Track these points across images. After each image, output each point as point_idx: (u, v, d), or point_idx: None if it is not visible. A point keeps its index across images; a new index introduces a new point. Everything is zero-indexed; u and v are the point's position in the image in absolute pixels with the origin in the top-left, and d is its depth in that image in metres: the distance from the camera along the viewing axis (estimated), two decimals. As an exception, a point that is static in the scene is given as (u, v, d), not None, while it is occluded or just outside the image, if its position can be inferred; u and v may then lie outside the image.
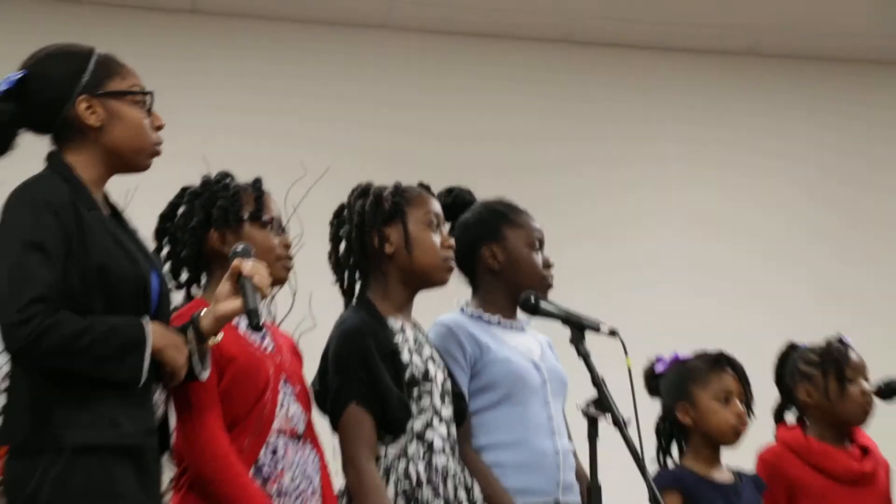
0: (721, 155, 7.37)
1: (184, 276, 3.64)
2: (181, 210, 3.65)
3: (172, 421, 3.42)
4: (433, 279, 3.81)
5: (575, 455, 4.01)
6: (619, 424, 3.50)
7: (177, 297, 3.59)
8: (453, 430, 3.76)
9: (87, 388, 3.07)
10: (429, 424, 3.68)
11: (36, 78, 3.21)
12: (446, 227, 3.91)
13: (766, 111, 7.45)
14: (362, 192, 3.85)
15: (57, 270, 3.06)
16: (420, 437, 3.67)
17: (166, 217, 3.67)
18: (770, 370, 4.61)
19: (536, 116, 7.14)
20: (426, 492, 3.61)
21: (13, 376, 3.19)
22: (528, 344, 4.03)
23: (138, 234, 3.32)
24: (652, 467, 4.23)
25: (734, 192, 7.31)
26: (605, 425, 3.54)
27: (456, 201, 4.14)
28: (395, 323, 3.74)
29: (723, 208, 7.28)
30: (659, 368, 4.37)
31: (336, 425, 3.65)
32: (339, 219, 3.88)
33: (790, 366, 4.57)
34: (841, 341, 4.52)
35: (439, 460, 3.66)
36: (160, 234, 3.66)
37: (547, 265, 4.06)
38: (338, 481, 3.63)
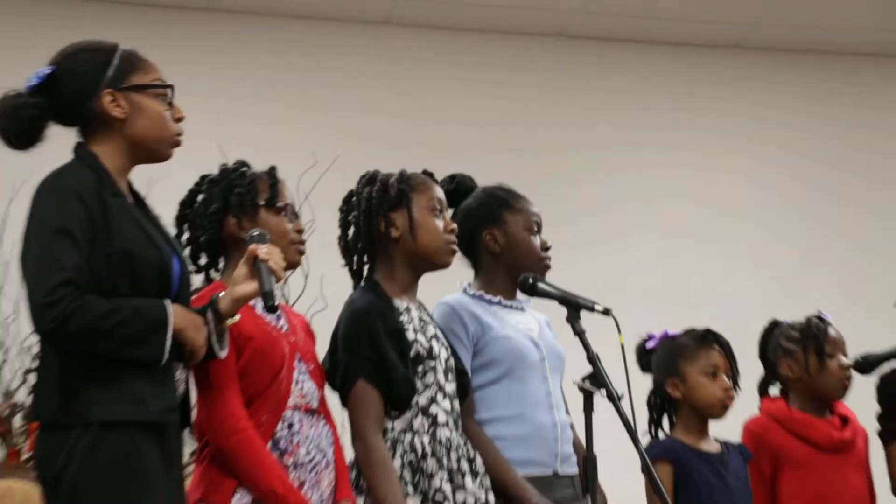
0: (715, 141, 7.36)
1: (203, 260, 3.64)
2: (200, 197, 3.65)
3: (193, 398, 3.42)
4: (437, 262, 3.81)
5: (572, 428, 4.00)
6: (613, 399, 3.51)
7: (196, 280, 3.59)
8: (456, 404, 3.76)
9: (113, 366, 3.08)
10: (433, 399, 3.68)
11: (63, 73, 3.21)
12: (449, 212, 3.91)
13: (753, 100, 7.43)
14: (369, 179, 3.84)
15: (83, 255, 3.06)
16: (425, 411, 3.67)
17: (186, 204, 3.67)
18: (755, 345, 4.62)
19: (532, 106, 7.13)
20: (431, 463, 3.61)
21: (43, 356, 3.20)
22: (527, 322, 4.02)
23: (160, 221, 3.32)
24: (644, 439, 4.23)
25: (727, 175, 7.30)
26: (599, 399, 3.55)
27: (458, 188, 4.14)
28: (400, 303, 3.74)
29: (716, 192, 7.27)
30: (650, 345, 4.37)
31: (345, 400, 3.66)
32: (347, 205, 3.87)
33: (773, 342, 4.57)
34: (820, 318, 4.52)
35: (443, 433, 3.66)
36: (180, 220, 3.66)
37: (545, 247, 4.06)
38: (349, 454, 3.63)
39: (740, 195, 7.29)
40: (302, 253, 3.65)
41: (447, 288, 4.05)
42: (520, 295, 4.00)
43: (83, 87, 3.20)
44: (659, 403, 4.37)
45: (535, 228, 4.06)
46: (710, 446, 4.28)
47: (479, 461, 3.73)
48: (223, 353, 3.28)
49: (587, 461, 3.58)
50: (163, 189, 3.84)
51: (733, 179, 7.31)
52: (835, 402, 4.50)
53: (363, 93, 6.83)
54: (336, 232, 3.86)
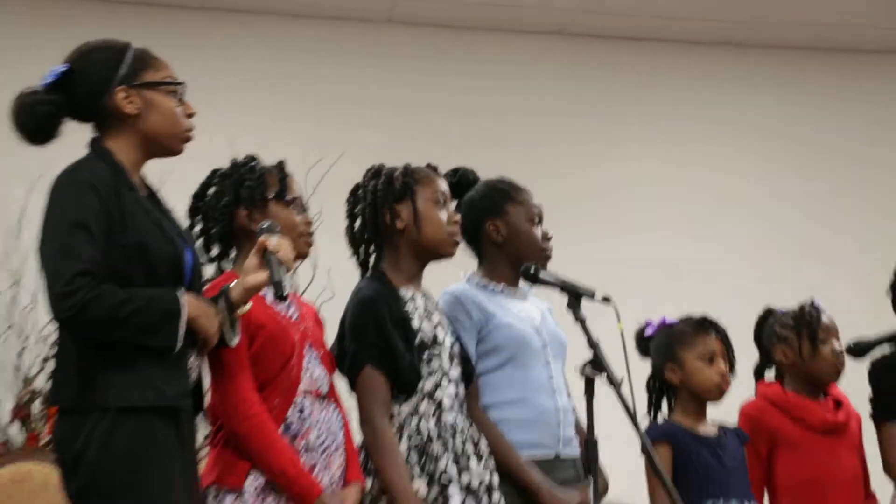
0: (714, 137, 7.35)
1: (214, 251, 3.65)
2: (212, 190, 3.66)
3: (205, 384, 3.43)
4: (441, 252, 3.82)
5: (574, 412, 4.01)
6: (614, 383, 3.51)
7: (208, 271, 3.61)
8: (461, 389, 3.77)
9: (129, 353, 3.10)
10: (438, 385, 3.69)
11: (78, 71, 3.22)
12: (452, 204, 3.92)
13: (750, 97, 7.43)
14: (375, 172, 3.85)
15: (99, 247, 3.07)
16: (430, 396, 3.68)
17: (198, 197, 3.68)
18: (750, 333, 4.63)
19: (532, 102, 7.13)
20: (436, 446, 3.62)
21: (61, 343, 3.21)
22: (529, 310, 4.03)
23: (173, 213, 3.34)
24: (644, 422, 4.25)
25: (725, 171, 7.30)
26: (600, 384, 3.56)
27: (461, 181, 4.14)
28: (406, 292, 3.74)
29: (715, 184, 7.27)
30: (648, 332, 4.38)
31: (353, 386, 3.67)
32: (354, 197, 3.87)
33: (768, 329, 4.58)
34: (813, 305, 4.52)
35: (448, 417, 3.67)
36: (192, 212, 3.67)
37: (546, 238, 4.06)
38: (358, 438, 3.64)
39: (739, 188, 7.29)
40: (310, 244, 3.67)
41: (452, 277, 4.06)
42: (522, 284, 4.01)
43: (97, 85, 3.21)
44: (658, 388, 4.38)
45: (537, 219, 4.06)
46: (708, 429, 4.29)
47: (483, 444, 3.74)
48: (235, 341, 3.30)
49: (588, 444, 3.59)
50: (174, 182, 3.85)
51: (732, 176, 7.30)
52: (828, 386, 4.51)
53: (368, 90, 6.84)
54: (343, 224, 3.86)
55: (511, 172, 4.20)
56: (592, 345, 3.57)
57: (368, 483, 3.58)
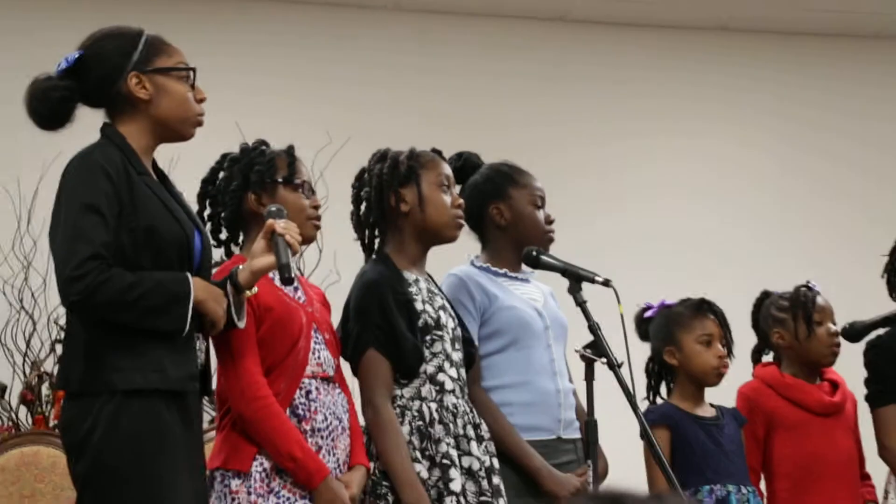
0: (714, 115, 7.35)
1: (223, 235, 3.65)
2: (221, 174, 3.66)
3: (212, 367, 3.45)
4: (444, 235, 3.82)
5: (574, 394, 4.02)
6: (613, 366, 3.53)
7: (217, 254, 3.62)
8: (463, 372, 3.77)
9: (137, 337, 3.11)
10: (440, 368, 3.69)
11: (91, 57, 3.23)
12: (457, 188, 3.91)
13: (737, 83, 7.43)
14: (380, 156, 3.84)
15: (110, 231, 3.09)
16: (433, 379, 3.68)
17: (208, 181, 3.68)
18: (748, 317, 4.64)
19: (534, 87, 7.13)
20: (438, 429, 3.62)
21: (69, 327, 3.23)
22: (532, 293, 4.03)
23: (182, 197, 3.35)
24: (643, 405, 4.26)
25: (723, 151, 7.30)
26: (600, 367, 3.58)
27: (465, 165, 4.13)
28: (409, 275, 3.75)
29: (714, 172, 7.27)
30: (648, 314, 4.38)
31: (356, 369, 3.68)
32: (359, 181, 3.87)
33: (764, 312, 4.58)
34: (809, 287, 4.53)
35: (450, 400, 3.68)
36: (202, 196, 3.66)
37: (548, 221, 4.06)
38: (362, 420, 3.66)
39: (741, 168, 7.28)
40: (318, 228, 3.66)
41: (456, 261, 4.07)
42: (525, 267, 4.01)
43: (110, 71, 3.22)
44: (657, 371, 4.39)
45: (539, 203, 4.07)
46: (706, 411, 4.31)
47: (484, 427, 3.74)
48: (242, 324, 3.30)
49: (588, 426, 3.63)
50: (183, 166, 3.87)
51: (733, 157, 7.30)
52: (825, 368, 4.52)
53: (375, 74, 6.84)
54: (349, 208, 3.88)
55: (515, 155, 4.21)
56: (592, 328, 3.59)
57: (371, 466, 3.59)
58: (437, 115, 6.67)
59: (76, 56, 3.22)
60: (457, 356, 3.75)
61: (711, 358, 4.26)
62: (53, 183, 3.20)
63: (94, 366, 3.09)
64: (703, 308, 4.33)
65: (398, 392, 3.66)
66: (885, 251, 4.68)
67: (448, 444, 3.61)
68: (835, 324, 4.47)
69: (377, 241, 3.85)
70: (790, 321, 4.47)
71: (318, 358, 3.51)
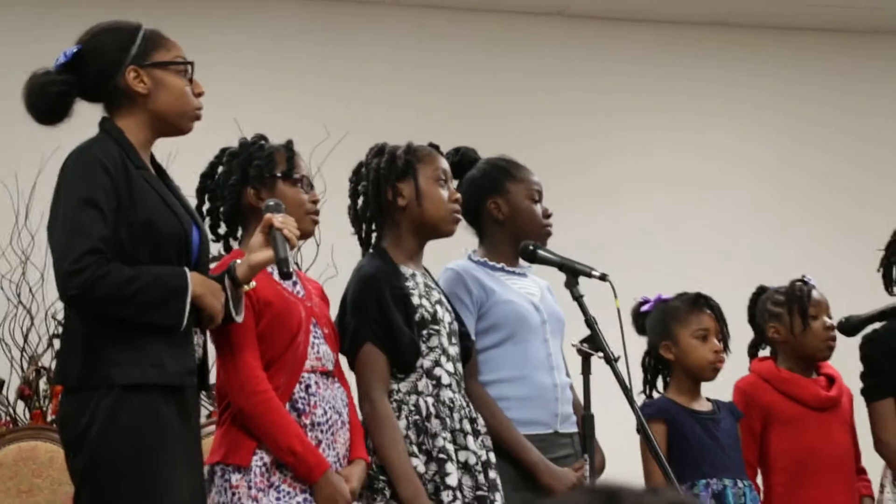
0: (712, 109, 7.35)
1: (222, 230, 3.65)
2: (220, 169, 3.66)
3: (210, 361, 3.45)
4: (441, 230, 3.82)
5: (571, 388, 4.02)
6: (610, 360, 3.54)
7: (216, 248, 3.62)
8: (459, 367, 3.77)
9: (135, 331, 3.11)
10: (437, 362, 3.70)
11: (90, 51, 3.23)
12: (454, 183, 3.92)
13: (735, 79, 7.43)
14: (378, 151, 3.85)
15: (109, 225, 3.09)
16: (429, 373, 3.68)
17: (207, 176, 3.68)
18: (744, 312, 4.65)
19: (533, 82, 7.13)
20: (434, 423, 3.62)
21: (67, 322, 3.23)
22: (529, 287, 4.04)
23: (180, 191, 3.35)
24: (639, 399, 4.27)
25: (714, 154, 7.30)
26: (597, 361, 3.58)
27: (462, 159, 4.13)
28: (406, 270, 3.75)
29: (702, 171, 7.27)
30: (645, 308, 4.38)
31: (353, 363, 3.68)
32: (357, 175, 3.87)
33: (760, 306, 4.59)
34: (804, 281, 4.53)
35: (446, 394, 3.68)
36: (201, 191, 3.66)
37: (546, 215, 4.07)
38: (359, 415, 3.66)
39: (739, 162, 7.28)
40: (316, 223, 3.66)
41: (453, 255, 4.07)
42: (522, 261, 4.02)
43: (108, 65, 3.22)
44: (653, 365, 4.40)
45: (537, 197, 4.07)
46: (702, 405, 4.32)
47: (480, 421, 3.75)
48: (240, 318, 3.30)
49: (585, 419, 3.63)
50: (181, 160, 3.87)
51: (731, 151, 7.30)
52: (821, 363, 4.53)
53: (373, 69, 6.84)
54: (346, 202, 3.88)
55: (513, 150, 4.21)
56: (589, 322, 3.60)
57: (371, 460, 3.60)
58: (434, 110, 6.67)
59: (74, 51, 3.22)
60: (453, 350, 3.75)
61: (707, 352, 4.27)
62: (52, 177, 3.21)
63: (92, 360, 3.09)
64: (699, 302, 4.33)
65: (395, 386, 3.66)
66: (883, 245, 4.69)
67: (445, 439, 3.62)
68: (830, 318, 4.48)
69: (374, 235, 3.84)
70: (786, 315, 4.47)
71: (318, 352, 3.51)
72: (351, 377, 3.69)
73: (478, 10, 7.09)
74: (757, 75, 7.40)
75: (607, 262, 3.88)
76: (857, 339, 4.59)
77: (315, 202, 3.65)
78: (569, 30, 7.22)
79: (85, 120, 3.28)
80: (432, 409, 3.63)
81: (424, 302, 3.71)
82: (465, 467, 3.63)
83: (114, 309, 3.09)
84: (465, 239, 4.07)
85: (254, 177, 3.58)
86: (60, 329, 3.52)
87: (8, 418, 5.53)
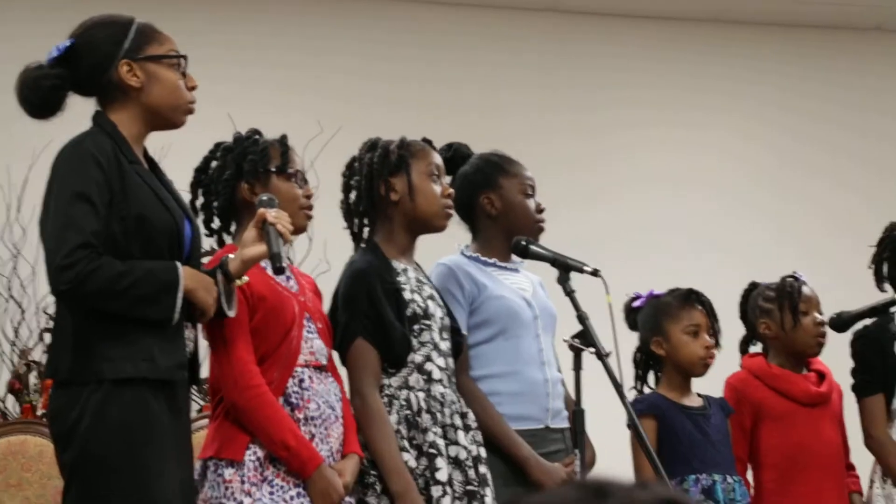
0: (705, 105, 7.35)
1: (216, 224, 3.64)
2: (214, 164, 3.65)
3: (201, 355, 3.45)
4: (433, 225, 3.83)
5: (563, 384, 4.03)
6: (601, 356, 3.55)
7: (209, 243, 3.63)
8: (451, 362, 3.78)
9: (126, 325, 3.11)
10: (428, 357, 3.70)
11: (82, 45, 3.23)
12: (447, 178, 3.92)
13: (735, 75, 7.43)
14: (371, 145, 3.85)
15: (101, 219, 3.09)
16: (420, 368, 3.69)
17: (201, 170, 3.67)
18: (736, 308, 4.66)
19: (526, 77, 7.13)
20: (425, 418, 3.63)
21: (58, 316, 3.23)
22: (521, 283, 4.04)
23: (173, 186, 3.35)
24: (630, 394, 4.27)
25: (708, 152, 7.31)
26: (588, 357, 3.59)
27: (455, 155, 4.12)
28: (398, 265, 3.75)
29: (703, 167, 7.27)
30: (636, 304, 4.39)
31: (344, 358, 3.68)
32: (350, 170, 3.86)
33: (751, 302, 4.60)
34: (795, 277, 4.54)
35: (438, 389, 3.69)
36: (195, 186, 3.66)
37: (539, 210, 4.07)
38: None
39: (736, 157, 7.27)
40: (310, 218, 3.66)
41: (445, 251, 4.07)
42: (514, 257, 4.02)
43: (101, 59, 3.22)
44: (644, 360, 4.41)
45: (530, 192, 4.07)
46: (693, 401, 4.32)
47: (471, 416, 3.75)
48: (232, 313, 3.31)
49: (576, 414, 3.64)
50: (174, 154, 3.87)
51: (728, 145, 7.30)
52: (811, 359, 4.54)
53: (366, 63, 6.84)
54: (339, 197, 3.88)
55: (511, 146, 4.22)
56: (581, 317, 3.60)
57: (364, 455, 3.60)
58: (429, 106, 6.67)
59: (67, 44, 3.22)
60: (445, 345, 3.76)
61: (698, 348, 4.27)
62: (44, 171, 3.21)
63: (82, 355, 3.10)
64: (690, 298, 4.34)
65: (386, 381, 3.67)
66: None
67: (435, 434, 3.63)
68: (821, 313, 4.49)
69: (366, 230, 3.85)
70: (776, 311, 4.49)
71: (311, 347, 3.52)
72: (343, 372, 3.69)
73: (475, 6, 7.09)
74: (758, 72, 7.40)
75: (607, 260, 3.90)
76: (847, 335, 4.60)
77: (309, 197, 3.66)
78: (568, 26, 7.21)
79: (77, 114, 3.28)
80: (423, 404, 3.64)
81: (416, 297, 3.72)
82: (455, 462, 3.64)
83: (105, 303, 3.09)
84: (457, 234, 4.08)
85: (248, 171, 3.58)
86: (51, 323, 3.51)
87: (-2, 412, 5.53)
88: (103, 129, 3.21)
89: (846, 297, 4.68)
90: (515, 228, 3.97)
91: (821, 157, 7.35)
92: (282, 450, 3.36)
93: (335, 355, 3.68)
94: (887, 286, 4.68)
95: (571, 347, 3.61)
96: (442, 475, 3.58)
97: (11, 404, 5.54)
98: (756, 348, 4.62)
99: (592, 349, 3.57)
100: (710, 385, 4.41)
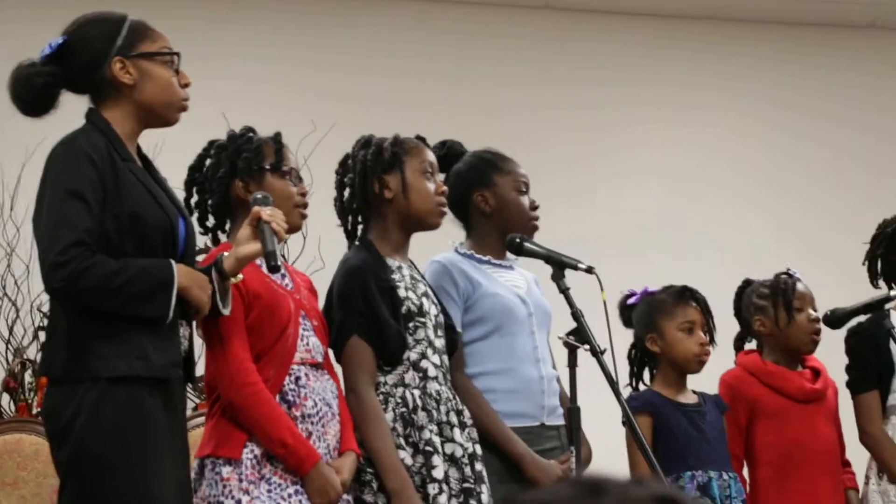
0: (700, 104, 7.35)
1: (211, 222, 3.64)
2: (209, 161, 3.65)
3: (196, 353, 3.45)
4: (427, 222, 3.82)
5: (558, 381, 4.03)
6: (596, 353, 3.55)
7: (204, 241, 3.62)
8: (446, 359, 3.78)
9: (120, 323, 3.11)
10: (423, 355, 3.70)
11: (75, 42, 3.23)
12: (440, 176, 3.91)
13: (733, 73, 7.43)
14: (364, 143, 3.84)
15: (94, 217, 3.09)
16: (416, 366, 3.69)
17: (195, 168, 3.67)
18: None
19: (520, 74, 7.13)
20: (421, 416, 3.63)
21: (52, 314, 3.23)
22: (515, 280, 4.04)
23: (167, 183, 3.35)
24: (625, 391, 4.27)
25: (705, 149, 7.31)
26: (583, 354, 3.59)
27: (449, 153, 4.12)
28: (392, 262, 3.75)
29: (700, 165, 7.27)
30: (631, 301, 4.39)
31: (339, 356, 3.68)
32: (343, 167, 3.86)
33: (746, 299, 4.60)
34: (789, 274, 4.55)
35: (433, 387, 3.68)
36: (189, 184, 3.65)
37: (533, 207, 4.07)
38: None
39: (732, 154, 7.27)
40: (304, 216, 3.66)
41: (440, 248, 4.07)
42: (509, 254, 4.02)
43: (94, 56, 3.22)
44: (639, 357, 4.41)
45: (524, 189, 4.07)
46: (688, 398, 4.33)
47: (466, 414, 3.75)
48: (226, 311, 3.31)
49: (571, 412, 3.64)
50: (168, 152, 3.87)
51: (725, 143, 7.29)
52: (806, 356, 4.54)
53: (360, 61, 6.84)
54: (333, 195, 3.87)
55: (507, 143, 4.22)
56: (575, 315, 3.60)
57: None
58: (423, 103, 6.67)
59: (60, 42, 3.22)
60: (440, 343, 3.76)
61: (693, 345, 4.28)
62: (37, 169, 3.21)
63: (77, 353, 3.10)
64: (685, 295, 4.34)
65: (381, 379, 3.66)
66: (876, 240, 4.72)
67: (431, 431, 3.62)
68: (815, 310, 4.50)
69: (360, 227, 3.84)
70: (770, 308, 4.49)
71: (307, 344, 3.51)
72: (338, 370, 3.69)
73: (472, 4, 7.09)
74: (755, 70, 7.40)
75: (605, 256, 3.91)
76: (842, 332, 4.61)
77: (304, 195, 3.65)
78: (566, 23, 7.20)
79: (70, 112, 3.28)
80: (419, 402, 3.64)
81: (411, 294, 3.72)
82: (451, 459, 3.64)
83: (99, 301, 3.09)
84: (451, 232, 4.08)
85: (242, 169, 3.58)
86: (46, 321, 3.51)
87: (-8, 411, 5.53)
88: (96, 127, 3.21)
89: (844, 293, 4.68)
90: (509, 226, 3.97)
91: (818, 154, 7.35)
92: (279, 447, 3.36)
93: (331, 353, 3.68)
94: (881, 283, 4.69)
95: (566, 344, 3.61)
96: (438, 473, 3.59)
97: (6, 403, 5.54)
98: (751, 345, 4.62)
99: (587, 346, 3.57)
100: (705, 382, 4.41)
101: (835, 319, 4.50)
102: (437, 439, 3.62)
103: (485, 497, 3.66)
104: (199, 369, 3.57)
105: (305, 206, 3.65)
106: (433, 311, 3.77)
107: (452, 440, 3.66)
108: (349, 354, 3.65)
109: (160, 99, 3.26)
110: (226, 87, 6.18)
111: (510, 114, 6.93)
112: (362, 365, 3.63)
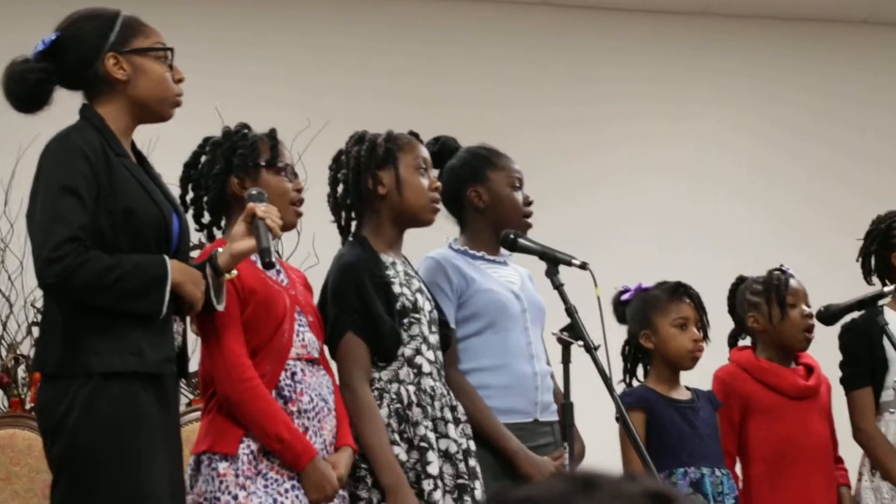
0: (691, 110, 7.36)
1: (206, 219, 3.64)
2: (204, 158, 3.64)
3: (190, 349, 3.45)
4: (421, 219, 3.82)
5: (552, 377, 4.04)
6: (590, 349, 3.55)
7: (198, 237, 3.62)
8: (440, 355, 3.78)
9: (114, 319, 3.11)
10: (418, 351, 3.70)
11: (68, 38, 3.23)
12: (434, 172, 3.91)
13: (730, 69, 7.43)
14: (358, 139, 3.84)
15: (88, 213, 3.09)
16: (410, 362, 3.69)
17: (190, 165, 3.67)
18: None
19: (518, 70, 7.13)
20: (416, 412, 3.63)
21: (46, 310, 3.24)
22: (509, 276, 4.04)
23: (161, 179, 3.35)
24: (619, 387, 4.27)
25: (702, 145, 7.31)
26: (577, 350, 3.59)
27: (442, 149, 4.11)
28: (387, 258, 3.75)
29: (697, 160, 7.27)
30: (625, 297, 4.39)
31: (334, 352, 3.68)
32: (337, 163, 3.86)
33: (739, 296, 4.60)
34: (782, 270, 4.55)
35: (427, 383, 3.69)
36: (184, 180, 3.65)
37: (527, 202, 4.06)
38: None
39: (730, 150, 7.28)
40: (300, 214, 3.66)
41: (434, 244, 4.07)
42: (503, 250, 4.01)
43: (87, 52, 3.22)
44: (633, 353, 4.41)
45: (518, 184, 4.06)
46: (681, 394, 4.33)
47: (460, 410, 3.76)
48: (221, 307, 3.31)
49: (564, 408, 3.64)
50: (162, 148, 3.86)
51: (723, 139, 7.30)
52: (799, 352, 4.54)
53: (354, 57, 6.83)
54: (327, 191, 3.87)
55: (504, 139, 4.22)
56: (569, 310, 3.60)
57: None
58: (417, 100, 6.66)
59: (53, 38, 3.22)
60: (434, 339, 3.76)
61: (686, 341, 4.28)
62: (30, 165, 3.21)
63: (71, 348, 3.10)
64: (678, 291, 4.34)
65: (376, 375, 3.67)
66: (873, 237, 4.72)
67: (426, 427, 3.63)
68: (809, 306, 4.49)
69: (354, 223, 3.84)
70: (764, 305, 4.49)
71: (303, 340, 3.51)
72: (333, 366, 3.69)
73: (470, 0, 7.08)
74: (753, 65, 7.40)
75: (602, 251, 3.90)
76: (835, 328, 4.61)
77: (299, 191, 3.65)
78: (564, 19, 7.20)
79: (64, 108, 3.28)
80: (413, 398, 3.65)
81: (405, 290, 3.72)
82: (445, 455, 3.65)
83: (93, 297, 3.09)
84: (445, 227, 4.08)
85: (237, 166, 3.58)
86: (39, 317, 3.51)
87: (-14, 406, 5.53)
88: (90, 123, 3.21)
89: (841, 289, 4.68)
90: (503, 221, 3.97)
91: (815, 150, 7.36)
92: (275, 443, 3.36)
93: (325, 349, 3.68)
94: (875, 279, 4.70)
95: (560, 341, 3.61)
96: (433, 468, 3.59)
97: (0, 398, 5.53)
98: (745, 342, 4.62)
99: (581, 342, 3.57)
100: (698, 378, 4.41)
101: (828, 316, 4.51)
102: (431, 435, 3.63)
103: (479, 493, 3.66)
104: (193, 365, 3.58)
105: (301, 202, 3.65)
106: (427, 307, 3.77)
107: (447, 436, 3.66)
108: (344, 350, 3.65)
109: (154, 94, 3.26)
110: (220, 84, 6.18)
111: (507, 110, 6.93)
112: (357, 361, 3.63)
